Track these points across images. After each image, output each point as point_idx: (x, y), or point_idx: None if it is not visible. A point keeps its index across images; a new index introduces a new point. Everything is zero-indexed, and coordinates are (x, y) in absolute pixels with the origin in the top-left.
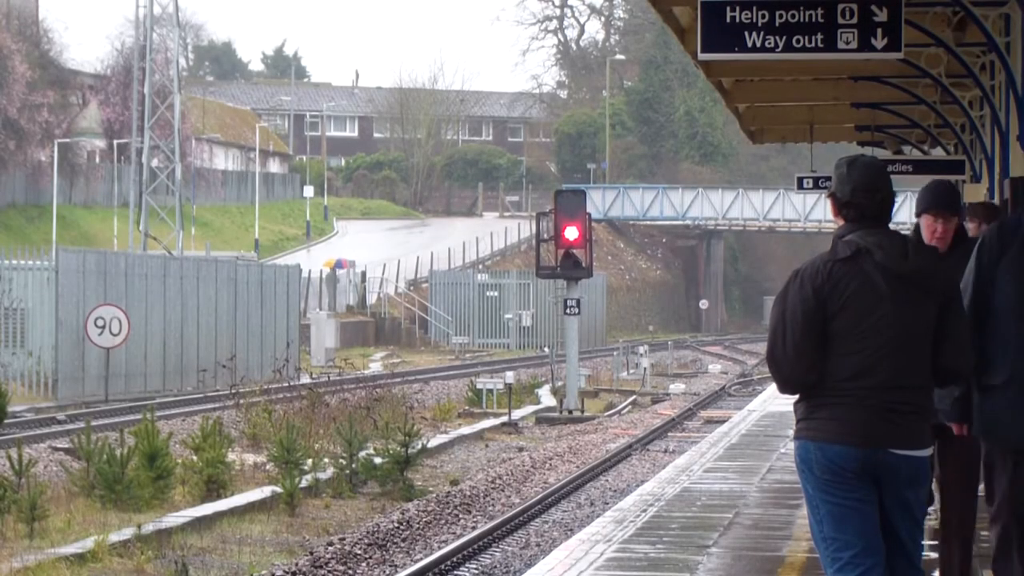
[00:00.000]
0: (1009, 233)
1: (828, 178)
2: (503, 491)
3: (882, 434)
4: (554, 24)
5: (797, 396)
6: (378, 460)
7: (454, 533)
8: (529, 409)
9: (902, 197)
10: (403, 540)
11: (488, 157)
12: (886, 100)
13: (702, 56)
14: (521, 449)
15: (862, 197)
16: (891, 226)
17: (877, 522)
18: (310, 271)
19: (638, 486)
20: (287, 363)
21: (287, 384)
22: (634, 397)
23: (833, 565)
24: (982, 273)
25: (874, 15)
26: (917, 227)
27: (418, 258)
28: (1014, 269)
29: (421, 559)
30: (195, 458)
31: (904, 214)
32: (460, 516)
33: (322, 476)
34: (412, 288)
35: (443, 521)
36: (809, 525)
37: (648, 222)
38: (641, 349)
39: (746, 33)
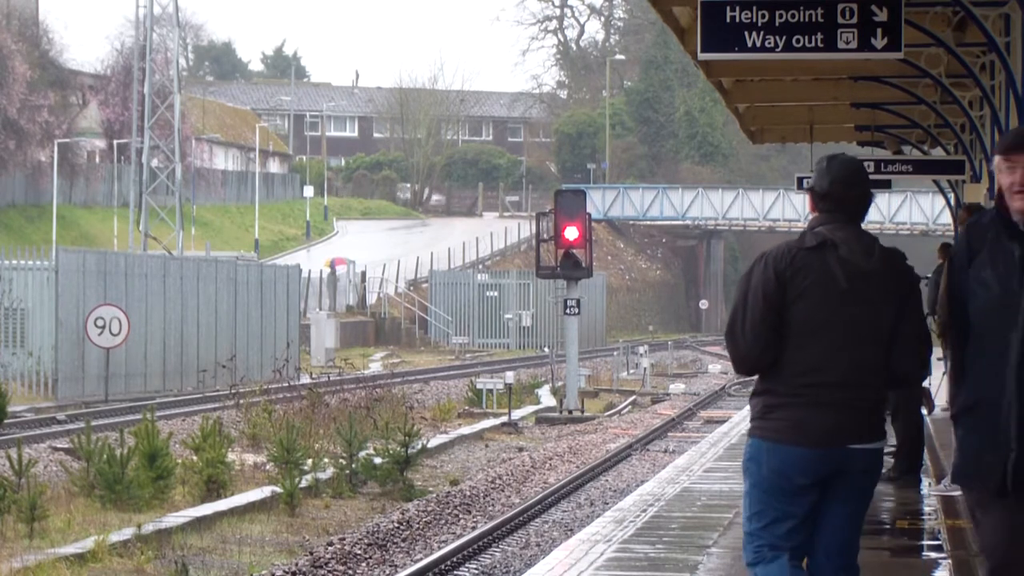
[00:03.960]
0: (978, 235)
1: None
2: (503, 491)
3: (837, 432)
4: (554, 24)
5: (753, 393)
6: (378, 460)
7: (454, 533)
8: (529, 409)
9: (901, 197)
10: (403, 540)
11: (488, 157)
12: (886, 100)
13: (702, 56)
14: (521, 449)
15: (839, 190)
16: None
17: (810, 528)
18: (310, 271)
19: (638, 486)
20: (287, 363)
21: (287, 384)
22: (634, 397)
23: (753, 556)
24: (954, 283)
25: (874, 15)
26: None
27: (418, 258)
28: (985, 275)
29: (421, 559)
30: (195, 458)
31: (904, 214)
32: (460, 516)
33: (322, 476)
34: (412, 288)
35: (443, 521)
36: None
37: (648, 222)
38: (641, 349)
39: (746, 33)
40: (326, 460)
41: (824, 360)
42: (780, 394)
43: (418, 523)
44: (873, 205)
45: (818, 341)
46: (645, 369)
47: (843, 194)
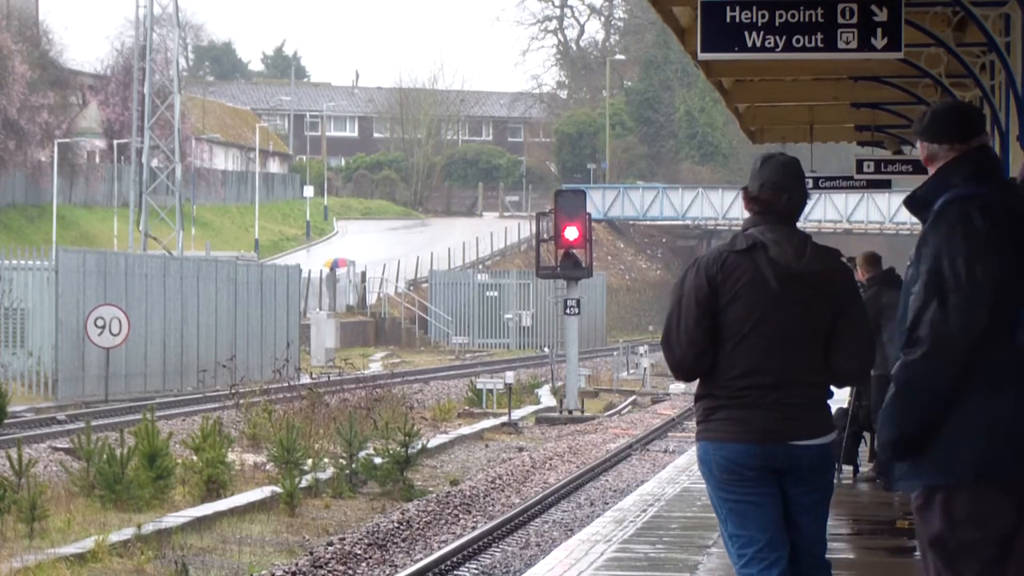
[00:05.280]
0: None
1: (828, 178)
2: (503, 491)
3: (779, 429)
4: (554, 24)
5: (695, 398)
6: (378, 460)
7: (454, 533)
8: (529, 409)
9: (901, 197)
10: (403, 540)
11: (488, 157)
12: (886, 100)
13: (702, 56)
14: (521, 449)
15: (768, 194)
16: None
17: (780, 516)
18: (310, 271)
19: (638, 486)
20: (287, 363)
21: (287, 384)
22: (634, 397)
23: (739, 561)
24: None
25: (874, 15)
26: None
27: (418, 258)
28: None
29: (421, 559)
30: (195, 458)
31: (904, 214)
32: (460, 516)
33: (322, 476)
34: (412, 288)
35: (443, 521)
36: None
37: (648, 222)
38: (641, 349)
39: (746, 33)
40: (326, 460)
41: (759, 362)
42: (720, 397)
43: (418, 523)
44: (873, 205)
45: (752, 343)
46: (645, 369)
47: (773, 197)
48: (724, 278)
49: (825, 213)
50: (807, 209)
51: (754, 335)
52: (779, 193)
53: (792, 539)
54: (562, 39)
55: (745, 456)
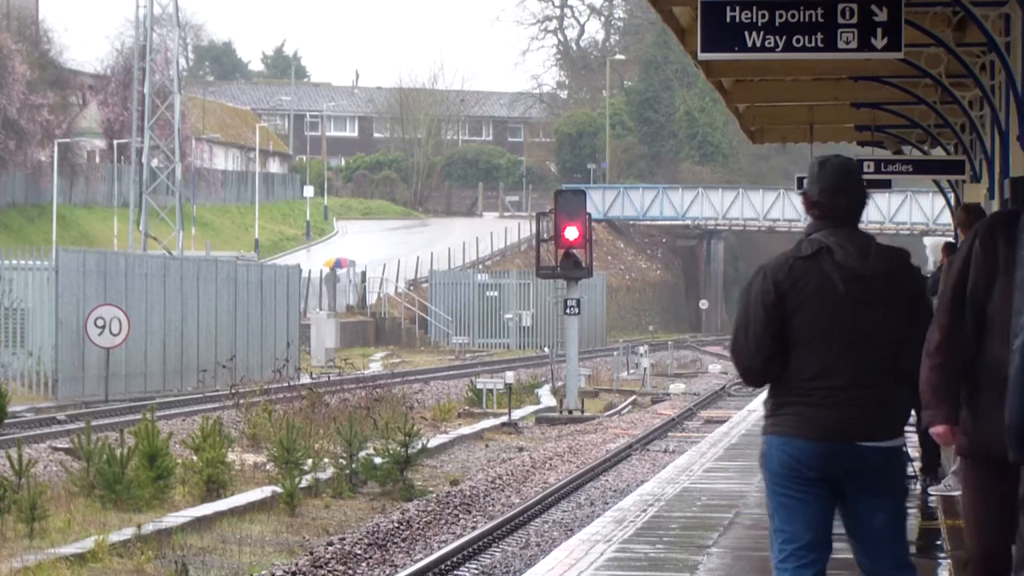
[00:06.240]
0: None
1: None
2: (503, 491)
3: (844, 428)
4: (554, 24)
5: (766, 394)
6: (378, 460)
7: (454, 533)
8: (529, 409)
9: (901, 197)
10: (403, 540)
11: (488, 157)
12: (886, 100)
13: (702, 56)
14: (521, 449)
15: (828, 198)
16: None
17: (828, 521)
18: (310, 271)
19: (638, 486)
20: (287, 363)
21: (287, 384)
22: (634, 397)
23: (779, 556)
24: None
25: (874, 15)
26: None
27: (418, 258)
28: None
29: (421, 559)
30: (195, 458)
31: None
32: (460, 516)
33: (322, 476)
34: (412, 288)
35: (443, 521)
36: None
37: (648, 222)
38: (641, 349)
39: (746, 33)
40: (326, 460)
41: (829, 365)
42: (789, 394)
43: (418, 523)
44: (873, 205)
45: (821, 348)
46: (645, 369)
47: (833, 200)
48: (791, 284)
49: None
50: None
51: (823, 339)
52: (839, 196)
53: (873, 549)
54: (562, 39)
55: (808, 454)
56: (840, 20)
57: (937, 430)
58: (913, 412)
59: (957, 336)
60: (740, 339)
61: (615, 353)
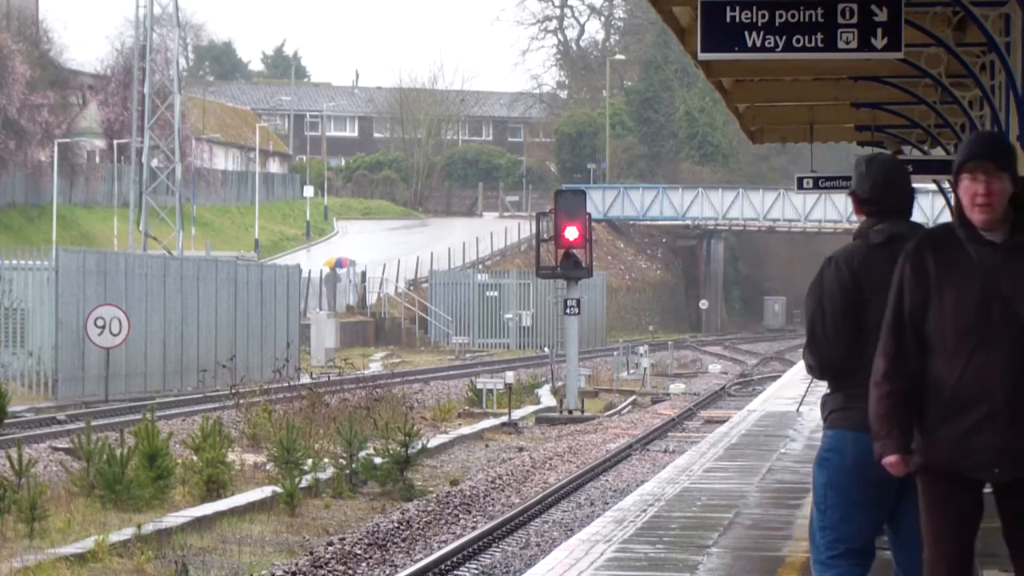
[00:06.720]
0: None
1: (828, 178)
2: (503, 491)
3: None
4: (554, 24)
5: (826, 390)
6: (378, 460)
7: (454, 533)
8: (529, 409)
9: None
10: (403, 540)
11: (488, 157)
12: (886, 100)
13: (702, 56)
14: (521, 449)
15: (880, 194)
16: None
17: (879, 527)
18: (310, 271)
19: (638, 486)
20: (287, 363)
21: (287, 384)
22: (634, 397)
23: (824, 554)
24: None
25: (874, 15)
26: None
27: (418, 258)
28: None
29: (421, 559)
30: (195, 458)
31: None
32: (460, 516)
33: (322, 476)
34: (412, 288)
35: (443, 521)
36: (811, 512)
37: (648, 222)
38: (641, 349)
39: (746, 33)
40: (326, 460)
41: None
42: (862, 386)
43: (418, 523)
44: None
45: None
46: (645, 369)
47: (885, 196)
48: (867, 271)
49: (825, 213)
50: (807, 209)
51: None
52: (890, 191)
53: (917, 543)
54: (562, 39)
55: None
56: (840, 20)
57: (889, 460)
58: None
59: (902, 362)
60: (818, 330)
61: (615, 353)
